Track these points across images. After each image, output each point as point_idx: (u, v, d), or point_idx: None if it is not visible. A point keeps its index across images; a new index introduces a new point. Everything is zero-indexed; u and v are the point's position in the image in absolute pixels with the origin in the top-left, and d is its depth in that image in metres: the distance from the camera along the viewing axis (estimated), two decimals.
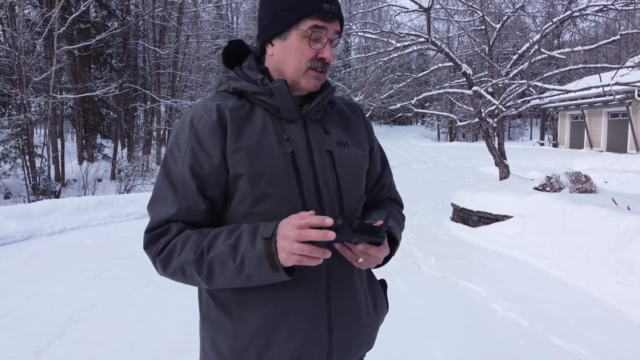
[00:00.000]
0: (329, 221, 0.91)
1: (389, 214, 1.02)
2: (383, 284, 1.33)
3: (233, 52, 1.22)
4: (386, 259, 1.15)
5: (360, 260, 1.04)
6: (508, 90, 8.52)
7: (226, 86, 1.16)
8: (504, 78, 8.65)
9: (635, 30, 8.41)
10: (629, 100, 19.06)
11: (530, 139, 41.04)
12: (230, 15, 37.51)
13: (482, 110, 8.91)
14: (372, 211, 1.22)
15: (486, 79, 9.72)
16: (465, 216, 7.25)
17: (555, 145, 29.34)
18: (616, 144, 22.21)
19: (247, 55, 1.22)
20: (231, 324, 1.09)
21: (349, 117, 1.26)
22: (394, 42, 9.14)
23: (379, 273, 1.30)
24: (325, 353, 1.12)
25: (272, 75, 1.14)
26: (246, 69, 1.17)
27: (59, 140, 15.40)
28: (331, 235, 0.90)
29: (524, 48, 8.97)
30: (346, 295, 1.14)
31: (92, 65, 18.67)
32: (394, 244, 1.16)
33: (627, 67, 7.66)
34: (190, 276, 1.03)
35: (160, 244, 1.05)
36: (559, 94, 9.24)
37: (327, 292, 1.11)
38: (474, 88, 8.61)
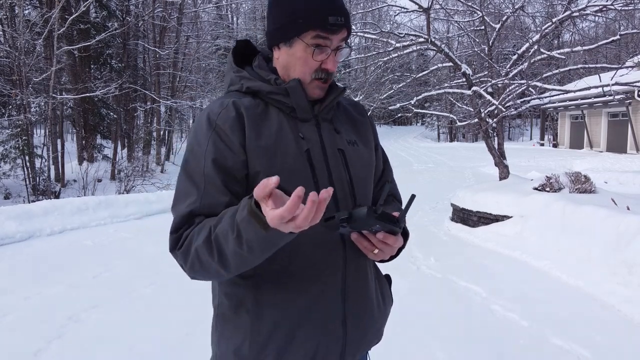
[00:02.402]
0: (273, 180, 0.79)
1: (408, 205, 1.02)
2: (388, 279, 1.34)
3: (241, 52, 1.22)
4: (398, 251, 1.16)
5: (376, 251, 1.05)
6: (508, 90, 8.52)
7: (239, 86, 1.15)
8: (504, 78, 8.65)
9: (635, 30, 8.41)
10: (628, 101, 19.07)
11: (530, 139, 41.03)
12: (230, 15, 37.54)
13: (482, 111, 8.92)
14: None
15: (486, 79, 9.72)
16: (465, 216, 7.25)
17: (555, 146, 29.34)
18: (616, 144, 22.21)
19: (255, 55, 1.22)
20: (250, 323, 1.09)
21: (355, 117, 1.28)
22: (393, 42, 9.14)
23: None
24: (340, 346, 1.13)
25: (280, 76, 1.14)
26: (257, 68, 1.17)
27: (58, 141, 15.41)
28: (300, 190, 0.77)
29: (523, 48, 8.98)
30: (360, 289, 1.16)
31: (92, 66, 18.68)
32: (404, 237, 1.18)
33: (627, 67, 7.66)
34: (205, 262, 0.97)
35: (182, 237, 1.02)
36: (558, 94, 9.25)
37: (343, 285, 1.12)
38: (474, 88, 8.61)
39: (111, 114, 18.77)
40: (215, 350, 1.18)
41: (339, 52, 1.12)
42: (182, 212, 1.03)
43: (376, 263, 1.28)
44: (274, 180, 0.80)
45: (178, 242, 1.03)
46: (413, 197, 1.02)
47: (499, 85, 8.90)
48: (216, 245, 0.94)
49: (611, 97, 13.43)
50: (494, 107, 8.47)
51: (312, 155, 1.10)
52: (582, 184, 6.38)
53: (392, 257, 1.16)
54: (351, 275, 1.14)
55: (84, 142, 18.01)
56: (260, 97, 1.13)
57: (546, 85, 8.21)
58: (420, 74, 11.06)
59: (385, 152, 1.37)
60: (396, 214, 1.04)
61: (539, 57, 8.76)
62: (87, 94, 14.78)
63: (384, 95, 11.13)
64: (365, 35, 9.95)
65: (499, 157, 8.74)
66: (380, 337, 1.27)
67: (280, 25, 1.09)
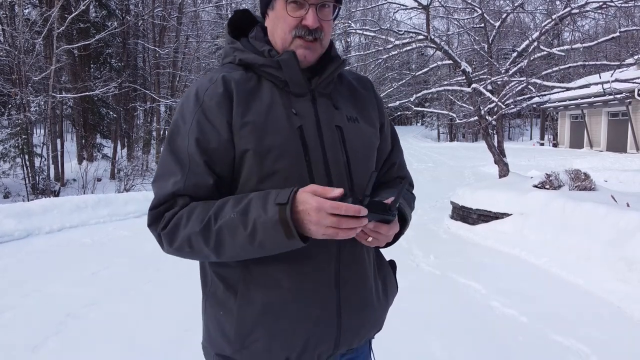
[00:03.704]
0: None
1: (400, 191, 0.98)
2: (392, 264, 1.30)
3: (239, 23, 1.17)
4: (395, 238, 1.12)
5: (370, 239, 1.01)
6: (507, 87, 8.51)
7: (232, 58, 1.11)
8: (503, 75, 8.64)
9: (635, 28, 8.40)
10: (629, 100, 19.04)
11: (530, 139, 40.99)
12: (230, 15, 37.55)
13: (482, 108, 8.91)
14: (381, 190, 1.18)
15: (485, 76, 9.71)
16: (464, 214, 7.24)
17: (555, 145, 29.32)
18: (616, 144, 22.19)
19: (254, 26, 1.17)
20: (237, 305, 1.05)
21: (359, 91, 1.21)
22: (392, 39, 9.14)
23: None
24: (334, 337, 1.08)
25: (273, 45, 1.10)
26: (253, 39, 1.13)
27: (58, 140, 15.40)
28: (364, 211, 0.90)
29: (523, 45, 8.97)
30: (356, 278, 1.11)
31: (92, 65, 18.69)
32: (403, 223, 1.13)
33: (627, 64, 7.65)
34: (197, 249, 0.98)
35: (165, 218, 1.00)
36: (559, 92, 9.24)
37: (336, 275, 1.08)
38: (473, 85, 8.61)
39: (111, 113, 18.77)
40: (204, 333, 1.15)
41: (323, 9, 1.04)
42: (166, 191, 1.01)
43: (379, 248, 1.23)
44: (337, 192, 0.91)
45: (159, 220, 1.01)
46: (406, 180, 1.00)
47: (499, 82, 8.89)
48: (217, 236, 0.95)
49: (611, 97, 13.41)
50: (493, 104, 8.46)
51: (305, 133, 1.04)
52: (581, 182, 6.37)
53: (389, 244, 1.11)
54: (345, 260, 1.09)
55: (83, 141, 18.02)
56: (254, 70, 1.09)
57: (546, 82, 8.20)
58: (420, 72, 11.04)
59: (395, 132, 1.30)
60: (389, 200, 1.00)
61: (538, 54, 8.75)
62: (87, 93, 14.77)
63: (384, 94, 11.12)
64: (364, 32, 9.95)
65: (499, 155, 8.73)
66: (381, 327, 1.23)
67: None
